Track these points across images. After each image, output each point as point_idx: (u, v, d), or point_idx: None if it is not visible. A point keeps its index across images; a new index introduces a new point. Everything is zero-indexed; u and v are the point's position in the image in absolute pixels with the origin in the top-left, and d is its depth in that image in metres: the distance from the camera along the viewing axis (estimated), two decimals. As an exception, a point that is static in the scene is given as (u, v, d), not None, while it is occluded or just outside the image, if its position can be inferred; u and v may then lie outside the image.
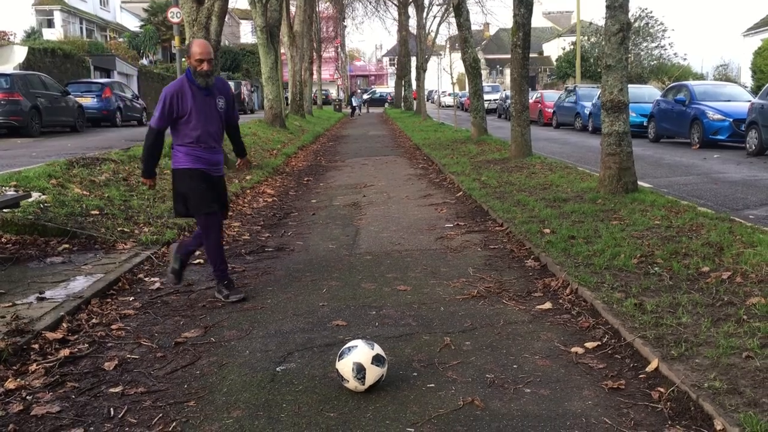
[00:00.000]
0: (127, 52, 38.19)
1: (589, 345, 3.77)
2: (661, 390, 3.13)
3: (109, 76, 31.00)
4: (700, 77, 40.33)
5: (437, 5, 38.55)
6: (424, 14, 36.49)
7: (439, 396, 3.20)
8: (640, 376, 3.34)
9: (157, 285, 5.16)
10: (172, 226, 6.77)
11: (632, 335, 3.66)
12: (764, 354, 3.29)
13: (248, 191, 9.78)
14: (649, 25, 44.08)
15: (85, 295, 4.62)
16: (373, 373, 3.20)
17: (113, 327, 4.20)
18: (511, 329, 4.07)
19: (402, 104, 45.36)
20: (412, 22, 38.18)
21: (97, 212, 6.77)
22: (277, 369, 3.55)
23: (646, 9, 54.96)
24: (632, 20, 38.44)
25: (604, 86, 8.12)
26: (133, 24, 49.74)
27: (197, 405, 3.14)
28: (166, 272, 5.09)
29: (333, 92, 64.92)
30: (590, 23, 45.45)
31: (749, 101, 15.29)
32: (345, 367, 3.21)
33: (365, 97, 57.16)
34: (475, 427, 2.89)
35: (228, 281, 4.88)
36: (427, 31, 37.69)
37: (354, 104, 47.74)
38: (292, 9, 31.05)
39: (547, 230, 6.22)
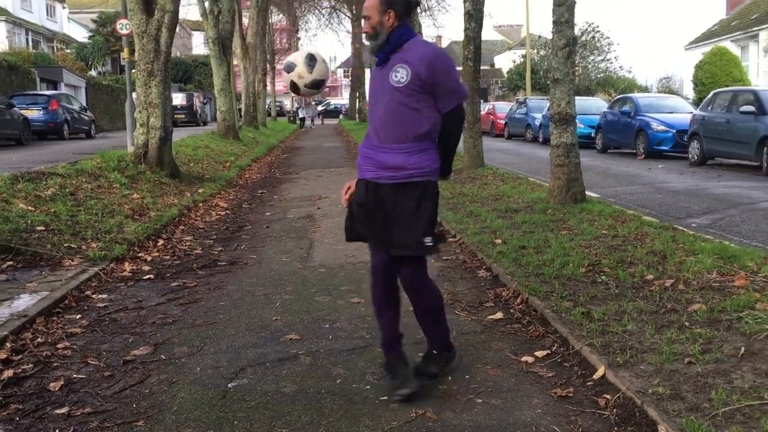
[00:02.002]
0: (75, 64, 37.31)
1: (539, 354, 3.84)
2: (608, 397, 3.21)
3: (56, 88, 30.22)
4: (645, 89, 41.47)
5: (390, 18, 38.80)
6: (378, 27, 36.66)
7: (392, 408, 3.21)
8: (588, 383, 3.42)
9: (105, 303, 5.05)
10: (121, 241, 6.63)
11: (580, 343, 3.74)
12: (705, 359, 3.40)
13: (201, 204, 9.65)
14: (596, 38, 45.21)
15: (29, 313, 4.49)
16: (320, 70, 3.31)
17: (59, 346, 4.09)
18: (464, 340, 4.12)
19: (356, 116, 45.45)
20: (366, 35, 38.32)
21: (43, 228, 6.60)
22: (229, 385, 3.51)
23: (592, 23, 56.28)
24: (579, 34, 39.46)
25: (552, 99, 8.31)
26: (81, 35, 48.68)
27: (146, 425, 3.09)
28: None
29: (287, 104, 64.75)
30: (539, 36, 46.38)
31: (691, 113, 15.83)
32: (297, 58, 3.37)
33: (320, 108, 56.86)
34: (427, 438, 2.91)
35: (390, 362, 3.42)
36: (380, 44, 37.87)
37: (301, 116, 42.92)
38: (245, 21, 30.91)
39: (499, 241, 6.32)
